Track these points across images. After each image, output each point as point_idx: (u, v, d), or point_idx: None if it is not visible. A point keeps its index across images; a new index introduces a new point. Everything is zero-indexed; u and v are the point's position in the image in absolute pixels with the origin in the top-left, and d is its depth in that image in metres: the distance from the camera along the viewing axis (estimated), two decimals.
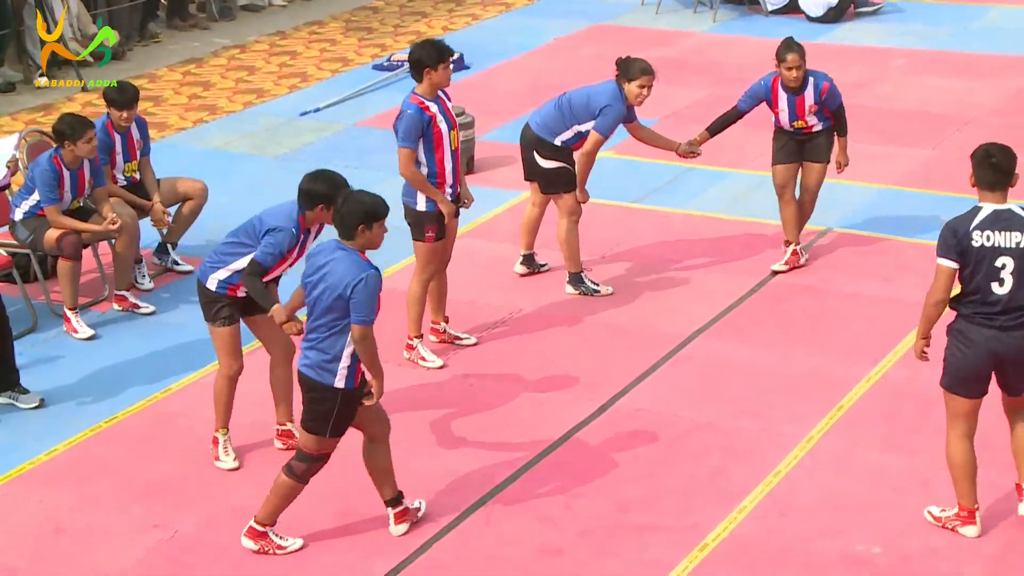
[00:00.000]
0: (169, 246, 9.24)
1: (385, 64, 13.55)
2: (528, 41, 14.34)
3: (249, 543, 6.27)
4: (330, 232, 6.25)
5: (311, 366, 6.02)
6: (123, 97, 8.71)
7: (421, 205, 7.74)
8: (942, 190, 10.13)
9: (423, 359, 7.88)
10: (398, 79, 13.15)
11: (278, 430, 7.10)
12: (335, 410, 6.01)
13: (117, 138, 8.80)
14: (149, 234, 9.29)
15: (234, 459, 6.95)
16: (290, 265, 6.75)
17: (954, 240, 5.93)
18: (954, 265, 5.95)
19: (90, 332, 8.35)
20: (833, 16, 14.53)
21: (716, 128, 8.92)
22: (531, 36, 14.51)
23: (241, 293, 6.71)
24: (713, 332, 8.24)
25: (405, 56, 13.45)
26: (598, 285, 8.70)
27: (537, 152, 8.46)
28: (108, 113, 8.77)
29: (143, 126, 9.03)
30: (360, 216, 5.96)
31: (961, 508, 6.29)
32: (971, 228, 5.92)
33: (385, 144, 11.43)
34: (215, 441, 6.98)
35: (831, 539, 6.33)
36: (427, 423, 7.31)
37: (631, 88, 8.34)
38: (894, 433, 7.12)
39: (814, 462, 6.89)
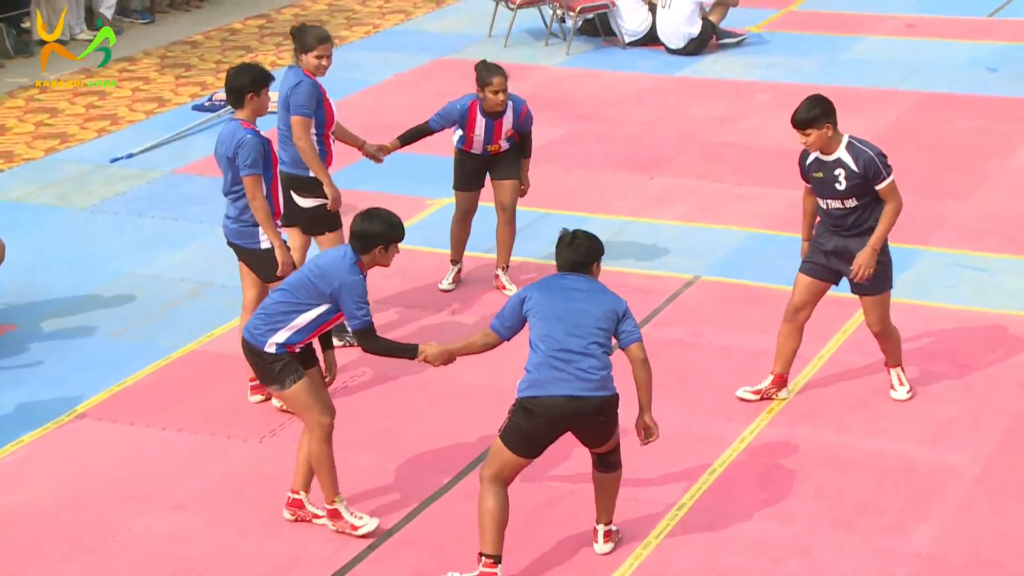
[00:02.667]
0: None
1: (206, 104, 13.44)
2: (365, 77, 14.38)
3: None
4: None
5: None
6: None
7: (265, 243, 7.83)
8: None
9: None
10: (220, 120, 13.04)
11: (288, 497, 7.04)
12: None
13: None
14: None
15: (370, 516, 6.88)
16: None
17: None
18: None
19: None
20: (694, 48, 14.89)
21: (407, 139, 9.29)
22: (368, 72, 14.56)
23: (298, 349, 6.76)
24: None
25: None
26: None
27: (294, 191, 8.50)
28: None
29: None
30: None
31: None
32: None
33: (208, 193, 11.34)
34: (334, 514, 6.86)
35: None
36: (261, 505, 7.22)
37: (309, 59, 8.40)
38: (771, 497, 7.25)
39: (686, 531, 6.98)
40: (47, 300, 9.57)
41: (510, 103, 9.14)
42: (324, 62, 8.41)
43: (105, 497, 7.34)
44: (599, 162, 11.94)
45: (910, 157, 11.81)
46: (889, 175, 7.59)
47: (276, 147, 8.05)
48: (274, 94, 8.35)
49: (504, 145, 9.29)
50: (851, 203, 7.62)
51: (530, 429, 6.34)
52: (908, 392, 8.05)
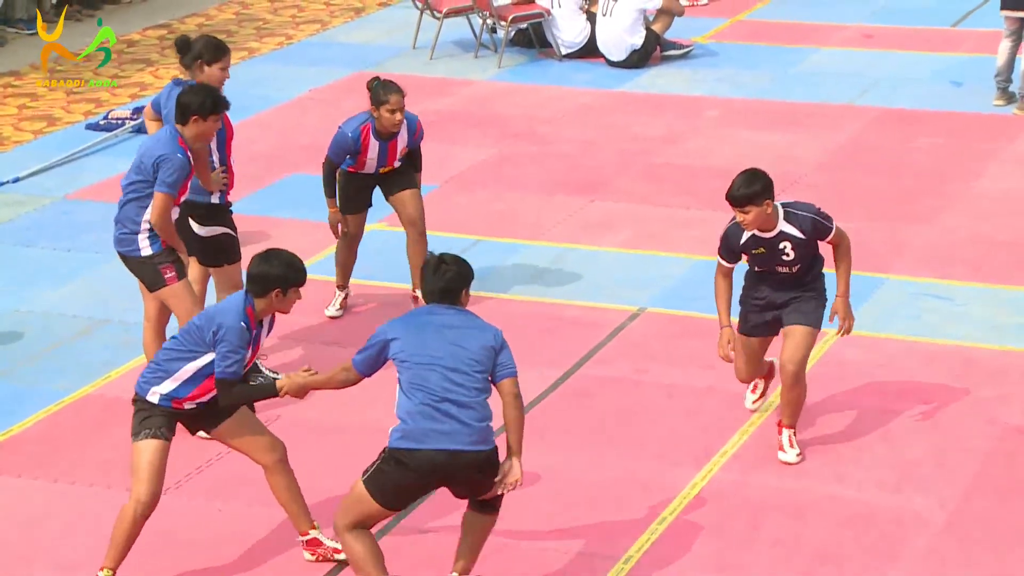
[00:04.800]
0: None
1: (101, 123, 13.35)
2: (276, 94, 14.34)
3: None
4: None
5: None
6: None
7: (146, 250, 8.00)
8: None
9: None
10: (118, 141, 12.96)
11: (302, 541, 7.08)
12: None
13: None
14: None
15: None
16: (246, 366, 6.78)
17: None
18: None
19: None
20: (637, 60, 14.97)
21: (331, 192, 9.39)
22: (280, 88, 14.53)
23: (188, 406, 6.74)
24: None
25: (126, 113, 13.45)
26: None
27: (192, 218, 8.53)
28: None
29: None
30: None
31: None
32: None
33: (103, 220, 11.21)
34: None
35: None
36: (163, 564, 7.15)
37: (212, 72, 8.54)
38: (725, 548, 7.27)
39: None
40: None
41: (404, 120, 9.18)
42: (226, 74, 8.58)
43: None
44: (534, 185, 11.96)
45: (868, 178, 11.94)
46: (833, 224, 7.79)
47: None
48: None
49: (396, 164, 9.38)
50: (797, 268, 7.80)
51: (401, 481, 6.34)
52: (798, 455, 7.94)
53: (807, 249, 7.74)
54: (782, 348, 7.79)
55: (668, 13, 15.20)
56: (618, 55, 15.01)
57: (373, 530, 6.56)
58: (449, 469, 6.33)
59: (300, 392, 6.75)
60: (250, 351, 6.77)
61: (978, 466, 7.91)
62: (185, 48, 8.57)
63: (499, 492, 6.50)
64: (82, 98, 14.28)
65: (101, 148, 12.83)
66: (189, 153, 7.93)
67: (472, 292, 9.99)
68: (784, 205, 7.72)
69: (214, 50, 8.54)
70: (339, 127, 9.29)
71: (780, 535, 7.36)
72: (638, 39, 14.93)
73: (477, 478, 6.41)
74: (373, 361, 6.51)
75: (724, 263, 7.88)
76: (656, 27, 15.14)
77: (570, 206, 11.55)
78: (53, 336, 9.53)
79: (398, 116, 9.09)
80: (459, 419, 6.30)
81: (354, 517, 6.43)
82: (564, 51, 15.37)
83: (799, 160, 12.22)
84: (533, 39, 15.55)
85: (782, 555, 7.20)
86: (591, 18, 15.24)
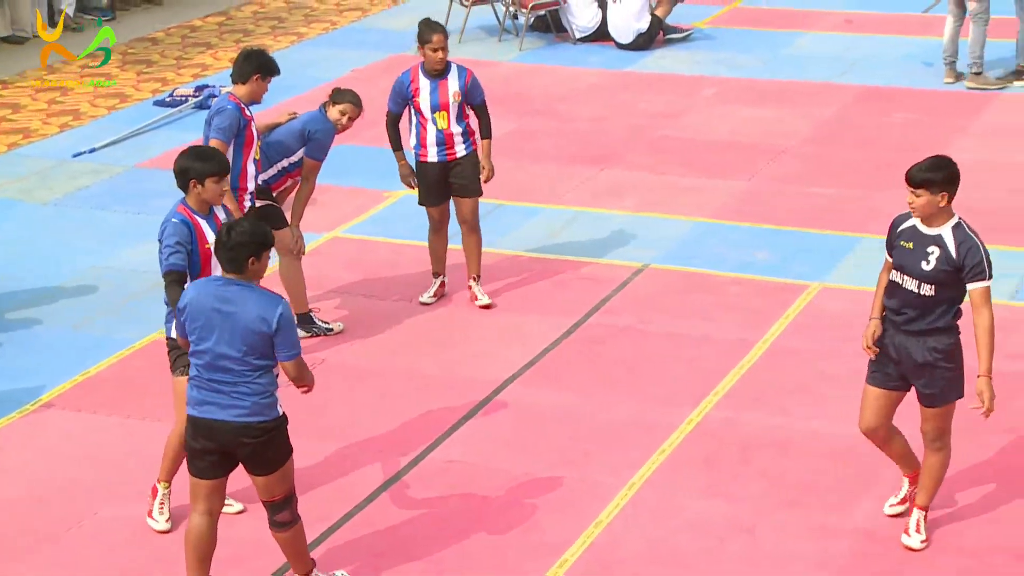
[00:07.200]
0: None
1: (167, 100, 13.39)
2: (323, 74, 14.35)
3: None
4: None
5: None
6: None
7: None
8: (758, 222, 10.50)
9: None
10: (182, 116, 13.00)
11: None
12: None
13: None
14: None
15: (167, 520, 6.90)
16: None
17: None
18: None
19: None
20: (643, 42, 14.95)
21: (396, 143, 9.21)
22: (326, 68, 14.54)
23: None
24: (527, 378, 8.36)
25: (189, 91, 13.49)
26: (330, 324, 8.84)
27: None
28: None
29: None
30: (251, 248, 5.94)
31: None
32: None
33: (170, 187, 11.19)
34: (154, 491, 6.97)
35: None
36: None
37: (334, 112, 8.76)
38: (716, 479, 7.33)
39: (636, 511, 7.05)
40: (10, 292, 9.52)
41: (453, 65, 9.05)
42: (345, 120, 8.76)
43: (71, 486, 7.32)
44: (551, 156, 11.98)
45: (849, 150, 11.92)
46: (989, 278, 6.36)
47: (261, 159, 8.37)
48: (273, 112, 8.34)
49: (456, 130, 8.99)
50: (928, 291, 6.41)
51: (192, 445, 6.08)
52: (923, 542, 6.68)
53: (947, 278, 6.38)
54: (923, 423, 6.71)
55: (669, 0, 15.17)
56: (626, 38, 14.99)
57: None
58: (220, 436, 5.98)
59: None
60: (204, 241, 6.54)
61: None
62: (336, 95, 8.83)
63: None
64: (150, 77, 14.31)
65: (167, 123, 12.87)
66: (242, 107, 8.06)
67: (494, 250, 10.07)
68: (963, 219, 6.48)
69: (341, 97, 8.79)
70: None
71: (766, 467, 7.40)
72: (644, 23, 14.90)
73: (251, 445, 5.99)
74: (182, 328, 6.09)
75: (888, 256, 6.67)
76: (659, 12, 15.10)
77: (583, 174, 11.57)
78: (126, 290, 9.60)
79: (440, 55, 8.92)
80: (227, 393, 5.95)
81: (190, 485, 6.18)
82: (578, 35, 15.35)
83: (787, 134, 12.20)
84: (551, 24, 15.53)
85: (768, 485, 7.25)
86: (603, 5, 15.20)
